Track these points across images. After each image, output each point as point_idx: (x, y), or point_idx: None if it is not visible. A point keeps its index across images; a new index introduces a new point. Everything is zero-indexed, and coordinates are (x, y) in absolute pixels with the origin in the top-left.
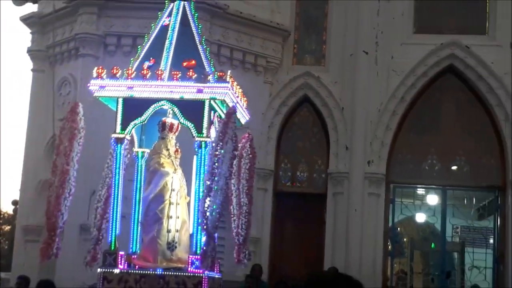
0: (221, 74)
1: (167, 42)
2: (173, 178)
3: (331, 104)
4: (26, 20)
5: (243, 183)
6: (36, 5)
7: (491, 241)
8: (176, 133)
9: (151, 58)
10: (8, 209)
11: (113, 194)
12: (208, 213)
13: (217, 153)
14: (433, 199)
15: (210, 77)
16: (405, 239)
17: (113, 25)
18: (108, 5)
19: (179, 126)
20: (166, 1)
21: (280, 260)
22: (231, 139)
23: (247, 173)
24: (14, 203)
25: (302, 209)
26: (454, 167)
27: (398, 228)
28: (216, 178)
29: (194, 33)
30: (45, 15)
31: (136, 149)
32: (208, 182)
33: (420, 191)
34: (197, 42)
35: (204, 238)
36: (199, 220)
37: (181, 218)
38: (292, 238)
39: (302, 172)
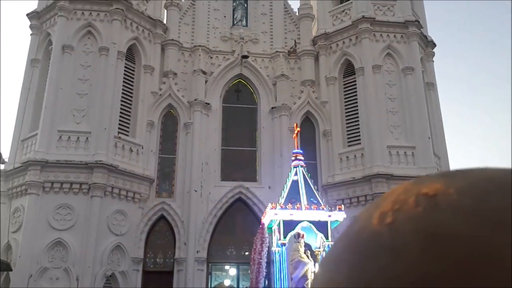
0: (339, 207)
1: (300, 189)
2: (310, 264)
3: (177, 218)
4: None
5: None
6: (2, 165)
7: None
8: (304, 239)
9: (291, 198)
10: None
11: (281, 275)
12: None
13: None
14: (232, 271)
15: (331, 206)
16: None
17: (49, 176)
18: (46, 165)
19: (305, 235)
20: (292, 167)
21: None
22: None
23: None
24: None
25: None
26: (243, 253)
27: None
28: None
29: (309, 182)
30: (8, 171)
31: (275, 248)
32: None
33: (226, 267)
34: (312, 188)
35: None
36: None
37: None
38: None
39: (160, 258)
